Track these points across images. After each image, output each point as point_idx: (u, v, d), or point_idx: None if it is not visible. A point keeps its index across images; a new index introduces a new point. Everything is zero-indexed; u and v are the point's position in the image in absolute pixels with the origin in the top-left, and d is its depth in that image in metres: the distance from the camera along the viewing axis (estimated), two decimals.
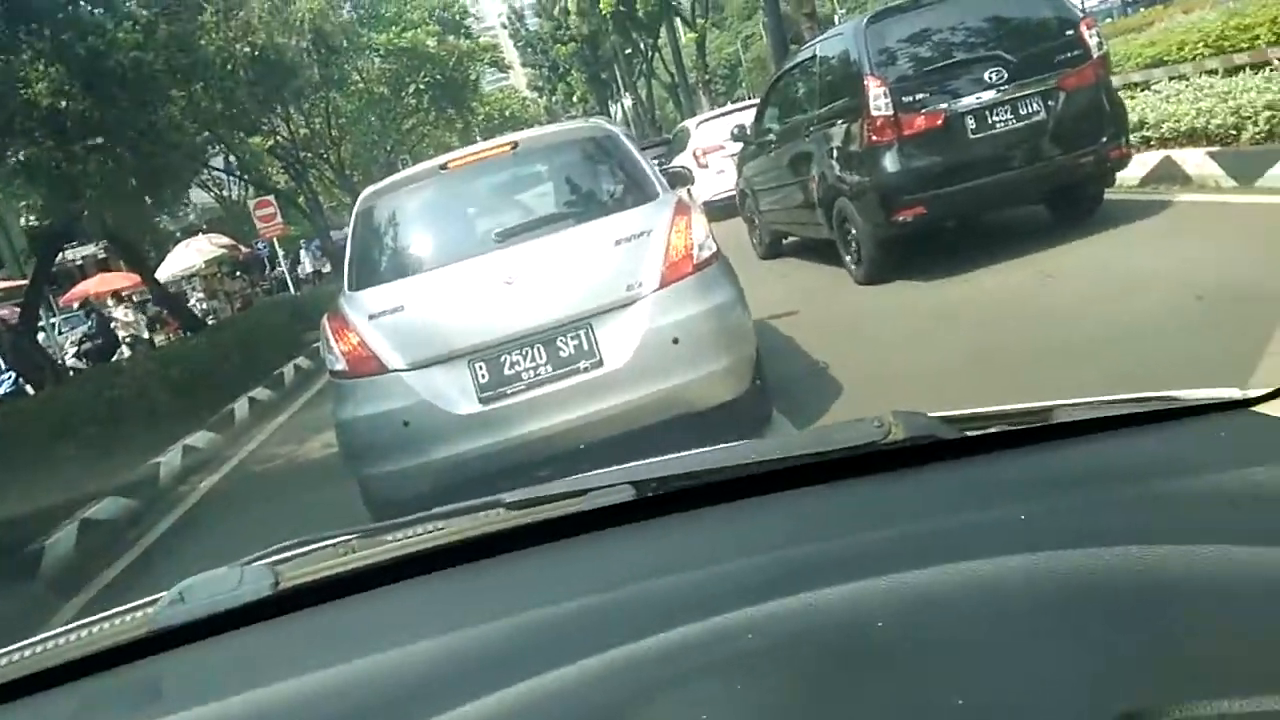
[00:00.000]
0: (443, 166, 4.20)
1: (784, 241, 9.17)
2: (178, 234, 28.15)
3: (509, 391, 3.61)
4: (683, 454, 1.14)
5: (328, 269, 26.29)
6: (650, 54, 39.89)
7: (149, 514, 6.61)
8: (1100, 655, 0.64)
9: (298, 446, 7.53)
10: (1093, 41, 6.31)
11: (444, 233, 4.25)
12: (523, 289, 3.67)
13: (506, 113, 47.23)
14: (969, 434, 1.04)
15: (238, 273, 26.35)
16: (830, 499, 1.01)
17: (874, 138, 6.28)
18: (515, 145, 4.23)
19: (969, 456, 1.02)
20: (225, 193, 29.38)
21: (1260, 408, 1.01)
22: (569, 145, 4.55)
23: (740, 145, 9.60)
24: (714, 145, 13.17)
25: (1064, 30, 6.34)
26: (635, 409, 3.60)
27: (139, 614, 1.08)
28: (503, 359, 3.62)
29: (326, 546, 1.16)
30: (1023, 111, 6.17)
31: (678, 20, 33.34)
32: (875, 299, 6.52)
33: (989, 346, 4.66)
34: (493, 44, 36.18)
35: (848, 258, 7.03)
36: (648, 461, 1.13)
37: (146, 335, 17.35)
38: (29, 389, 11.94)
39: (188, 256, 25.33)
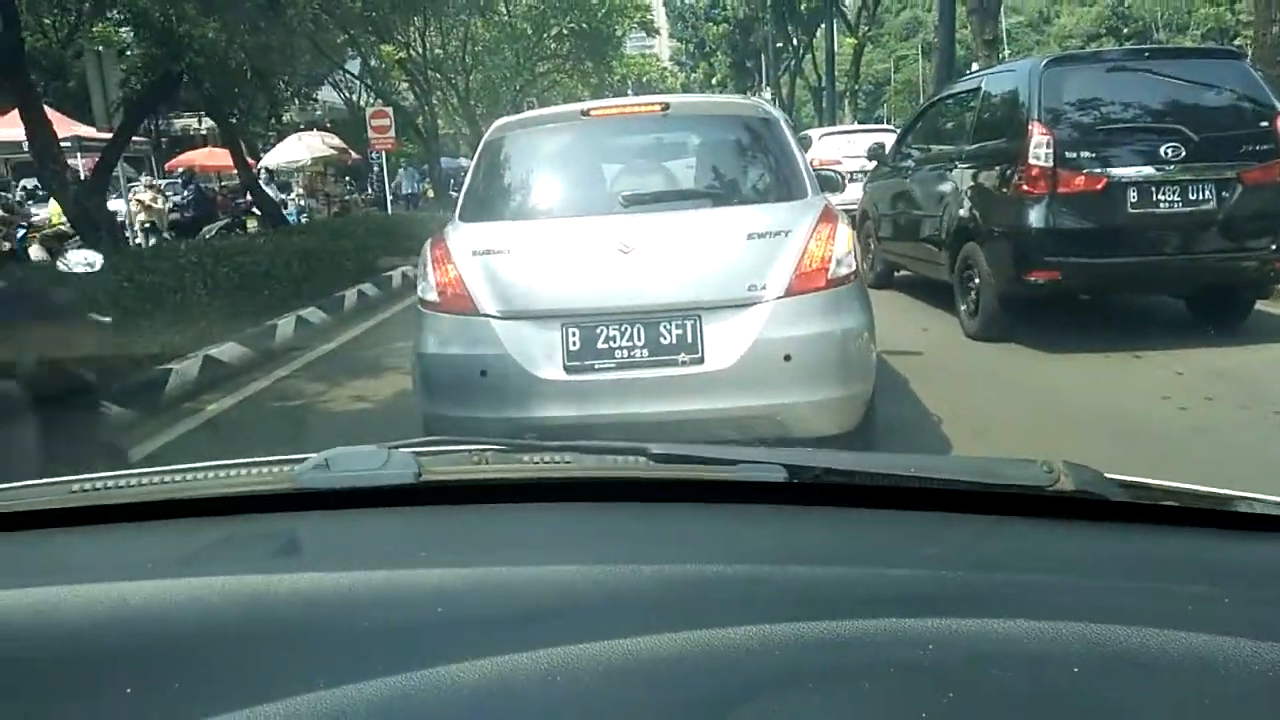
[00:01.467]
0: (585, 112, 4.04)
1: (895, 274, 8.89)
2: (301, 126, 28.63)
3: (597, 365, 3.42)
4: (835, 451, 1.15)
5: (431, 195, 26.46)
6: (802, 52, 39.46)
7: (142, 426, 5.69)
8: None
9: (330, 387, 6.67)
10: None
11: (570, 183, 4.06)
12: (638, 261, 3.47)
13: (644, 79, 47.20)
14: (1141, 501, 1.01)
15: (347, 178, 26.71)
16: (992, 532, 1.01)
17: (1025, 187, 5.99)
18: (667, 107, 4.03)
19: (1136, 524, 1.01)
20: (355, 97, 29.82)
21: None
22: (724, 120, 4.25)
23: (874, 165, 9.36)
24: (832, 159, 13.09)
25: (1258, 120, 5.98)
26: (725, 418, 3.38)
27: (278, 469, 1.13)
28: (598, 330, 3.42)
29: (463, 450, 1.19)
30: (1192, 196, 5.83)
31: (838, 23, 32.76)
32: (983, 355, 6.24)
33: (1092, 432, 4.39)
34: (645, 4, 35.91)
35: (963, 306, 6.75)
36: (797, 450, 1.13)
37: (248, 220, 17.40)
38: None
39: (296, 150, 25.60)
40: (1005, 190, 6.20)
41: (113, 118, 10.58)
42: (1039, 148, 5.91)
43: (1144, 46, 8.09)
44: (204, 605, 0.85)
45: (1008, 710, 0.68)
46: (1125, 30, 48.96)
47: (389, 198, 21.70)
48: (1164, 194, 5.84)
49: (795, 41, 38.98)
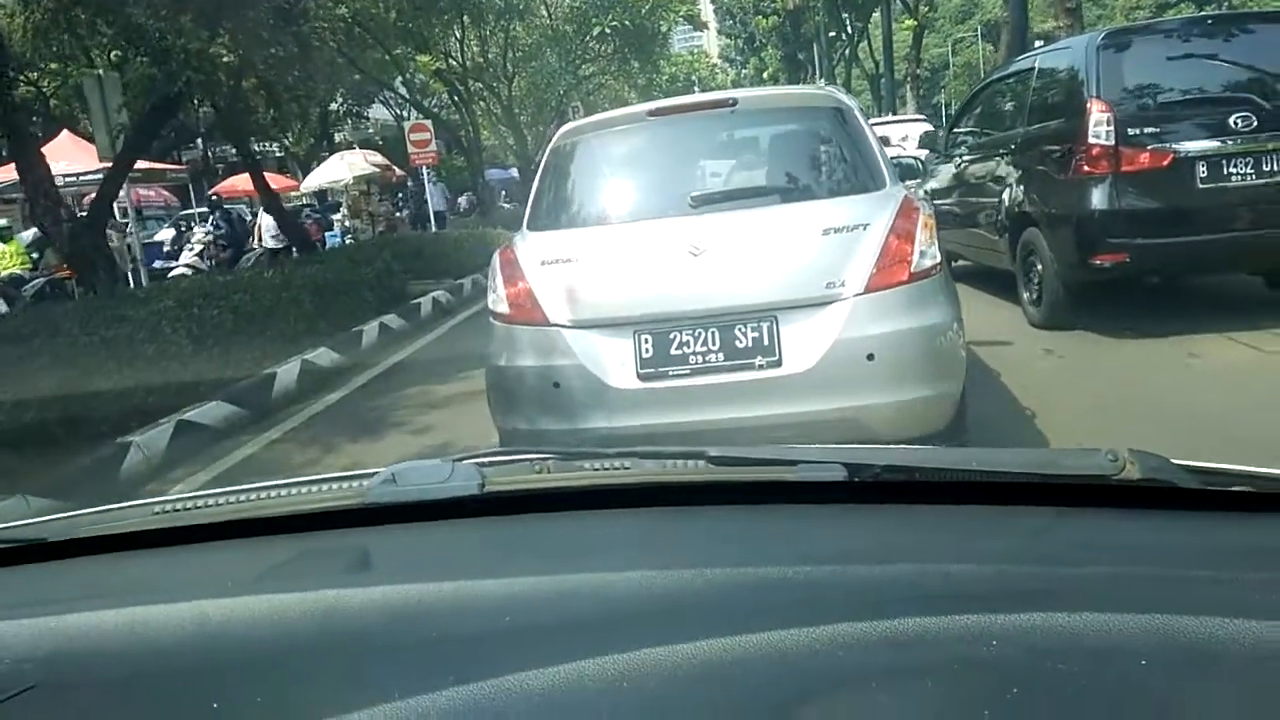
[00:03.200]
0: (651, 113, 4.05)
1: (953, 264, 8.86)
2: (355, 145, 28.80)
3: (671, 372, 3.44)
4: (896, 448, 1.19)
5: (464, 210, 26.34)
6: (857, 39, 39.36)
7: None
8: None
9: (325, 454, 5.81)
10: None
11: (638, 186, 4.10)
12: (709, 263, 3.48)
13: (693, 77, 47.23)
14: (1211, 487, 1.02)
15: (399, 195, 26.88)
16: (1055, 524, 1.02)
17: (1086, 168, 5.97)
18: (734, 103, 4.03)
19: (1206, 511, 1.01)
20: (405, 114, 30.15)
21: None
22: (795, 112, 4.29)
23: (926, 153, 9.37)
24: None
25: None
26: (806, 423, 3.34)
27: (347, 485, 1.22)
28: (671, 335, 3.45)
29: (526, 459, 1.26)
30: (1266, 167, 5.75)
31: (895, 5, 32.41)
32: (1051, 343, 6.23)
33: (1165, 421, 4.37)
34: None
35: (1026, 294, 6.75)
36: (857, 448, 1.16)
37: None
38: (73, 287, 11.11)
39: (337, 170, 25.45)
40: (1066, 172, 6.17)
41: (116, 146, 10.25)
42: (1099, 126, 5.89)
43: (1205, 14, 8.14)
44: (281, 619, 0.91)
45: (1074, 705, 0.69)
46: None
47: (431, 215, 21.48)
48: (1236, 167, 5.76)
49: (849, 28, 38.98)
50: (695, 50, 54.89)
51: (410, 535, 1.16)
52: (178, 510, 1.24)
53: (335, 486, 1.24)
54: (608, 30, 28.76)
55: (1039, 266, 6.51)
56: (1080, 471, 1.03)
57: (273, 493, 1.25)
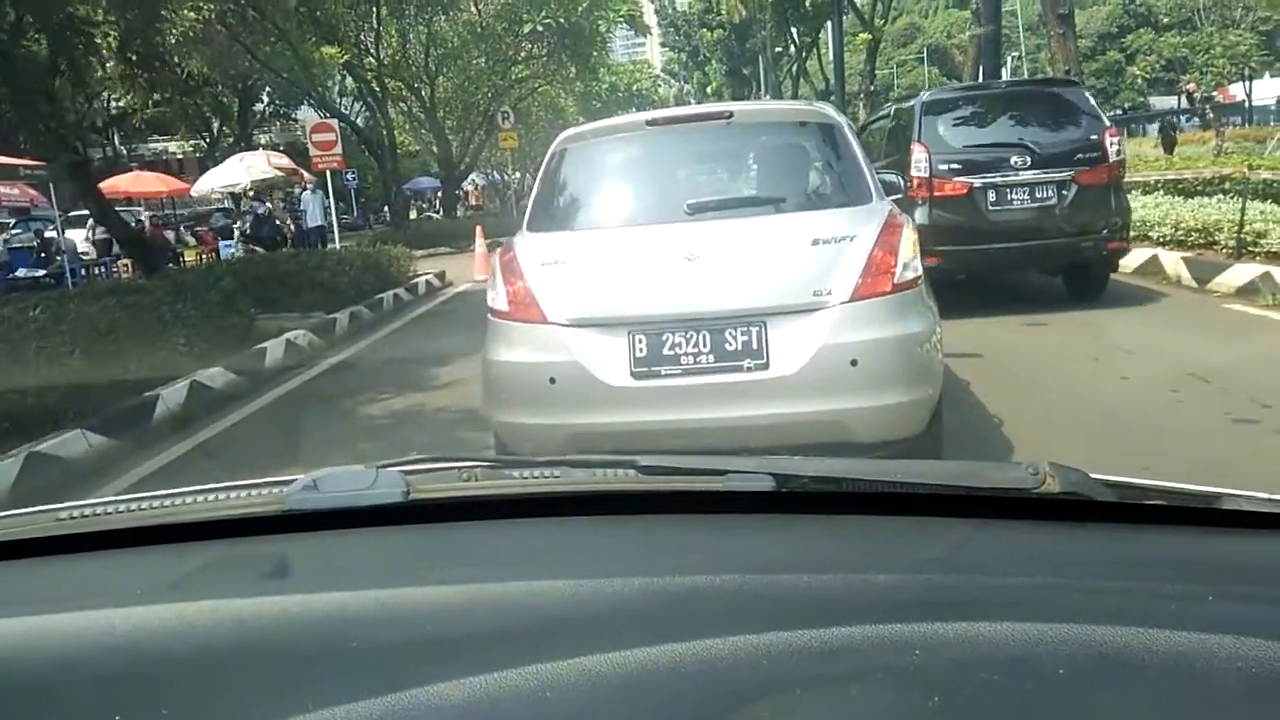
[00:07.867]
0: (649, 122, 4.74)
1: None
2: (280, 147, 30.01)
3: (663, 372, 3.94)
4: (824, 458, 1.34)
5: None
6: (805, 53, 42.59)
7: None
8: None
9: None
10: (1112, 148, 9.39)
11: (635, 193, 4.71)
12: (703, 269, 3.99)
13: (634, 88, 49.43)
14: (1127, 501, 1.20)
15: (246, 210, 26.35)
16: (977, 535, 1.19)
17: (910, 193, 9.33)
18: (730, 115, 4.70)
19: (1122, 523, 1.19)
20: (329, 117, 31.34)
21: None
22: (787, 127, 5.01)
23: None
24: None
25: (1089, 134, 9.44)
26: (791, 424, 3.87)
27: (267, 491, 1.36)
28: (664, 337, 3.94)
29: (453, 468, 1.44)
30: (1038, 195, 9.23)
31: (849, 17, 32.43)
32: None
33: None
34: None
35: None
36: (786, 458, 1.32)
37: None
38: None
39: (234, 173, 25.85)
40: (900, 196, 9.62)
41: None
42: (919, 162, 9.36)
43: (1003, 80, 11.98)
44: (192, 629, 1.00)
45: (994, 713, 0.81)
46: (1165, 20, 51.26)
47: (336, 228, 20.38)
48: (1015, 194, 9.24)
49: (798, 42, 42.04)
50: (638, 61, 58.26)
51: (331, 543, 1.27)
52: (86, 516, 1.33)
53: (254, 493, 1.35)
54: (540, 28, 29.54)
55: None
56: (1002, 484, 1.20)
57: (188, 499, 1.34)
